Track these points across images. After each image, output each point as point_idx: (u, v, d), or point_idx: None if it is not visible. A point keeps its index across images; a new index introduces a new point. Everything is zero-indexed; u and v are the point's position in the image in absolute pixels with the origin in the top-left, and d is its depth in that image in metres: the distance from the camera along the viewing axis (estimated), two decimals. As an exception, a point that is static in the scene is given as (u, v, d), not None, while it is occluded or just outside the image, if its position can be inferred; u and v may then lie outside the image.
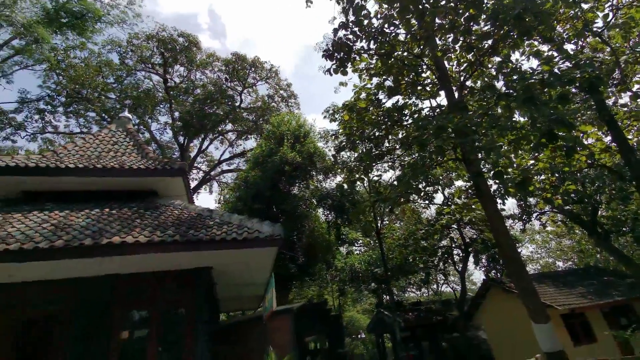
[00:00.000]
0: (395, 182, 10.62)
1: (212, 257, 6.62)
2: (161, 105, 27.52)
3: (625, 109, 14.97)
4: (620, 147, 12.65)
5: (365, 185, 17.69)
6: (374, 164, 14.50)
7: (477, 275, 48.54)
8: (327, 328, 23.81)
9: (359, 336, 38.69)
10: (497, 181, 10.50)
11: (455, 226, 21.26)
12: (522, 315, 15.79)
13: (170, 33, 24.12)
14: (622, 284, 17.88)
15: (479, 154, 9.81)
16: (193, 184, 31.24)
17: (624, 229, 23.51)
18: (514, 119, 9.43)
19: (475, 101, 12.33)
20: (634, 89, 12.46)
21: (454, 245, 22.28)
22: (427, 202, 23.41)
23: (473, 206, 16.94)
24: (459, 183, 23.53)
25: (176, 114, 27.59)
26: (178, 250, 5.80)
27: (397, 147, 14.13)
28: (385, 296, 25.22)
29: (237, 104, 29.21)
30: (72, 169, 7.81)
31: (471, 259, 25.89)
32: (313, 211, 18.44)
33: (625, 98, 14.52)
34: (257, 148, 19.55)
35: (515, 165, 9.77)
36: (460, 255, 22.22)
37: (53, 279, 6.16)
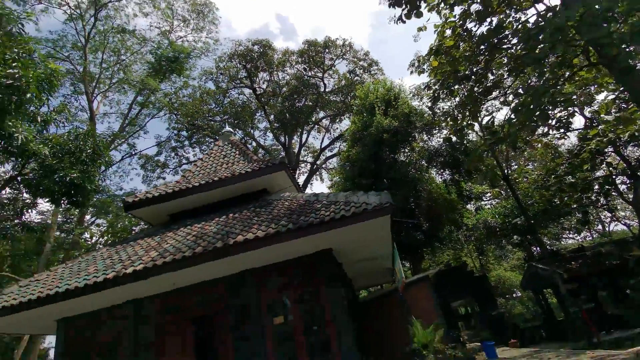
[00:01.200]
0: (512, 116, 8.89)
1: (328, 238, 6.66)
2: (257, 114, 29.82)
3: None
4: None
5: (477, 131, 15.64)
6: (480, 104, 12.57)
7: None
8: (474, 290, 22.29)
9: (514, 295, 35.23)
10: None
11: (609, 150, 17.01)
12: None
13: (246, 45, 25.85)
14: None
15: (622, 45, 7.36)
16: (303, 177, 33.13)
17: None
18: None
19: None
20: None
21: (615, 173, 17.89)
22: (562, 130, 19.37)
23: (633, 117, 13.14)
24: (601, 98, 18.73)
25: (271, 117, 29.50)
26: (293, 238, 6.00)
27: (505, 75, 11.93)
28: (534, 248, 22.18)
29: (322, 89, 29.48)
30: (196, 187, 8.97)
31: (644, 184, 20.46)
32: (425, 173, 17.25)
33: None
34: (352, 125, 19.27)
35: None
36: (628, 182, 17.74)
37: (207, 279, 7.16)
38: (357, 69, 28.38)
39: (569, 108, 19.75)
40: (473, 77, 11.30)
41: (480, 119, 12.19)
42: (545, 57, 7.75)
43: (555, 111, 19.50)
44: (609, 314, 17.36)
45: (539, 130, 20.20)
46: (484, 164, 15.55)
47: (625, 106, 16.58)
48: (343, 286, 8.85)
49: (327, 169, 31.68)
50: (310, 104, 28.62)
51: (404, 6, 11.40)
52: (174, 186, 9.45)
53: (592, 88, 17.75)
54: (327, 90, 29.41)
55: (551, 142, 21.42)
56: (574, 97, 19.16)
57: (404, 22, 11.57)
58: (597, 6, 7.14)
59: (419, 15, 11.84)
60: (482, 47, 10.78)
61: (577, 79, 15.98)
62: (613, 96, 17.87)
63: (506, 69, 11.51)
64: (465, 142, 14.60)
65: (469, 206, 26.03)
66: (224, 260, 6.18)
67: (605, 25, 7.24)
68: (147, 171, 28.92)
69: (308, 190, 33.56)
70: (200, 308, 7.05)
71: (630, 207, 18.27)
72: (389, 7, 11.64)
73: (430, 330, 9.16)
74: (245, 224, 6.98)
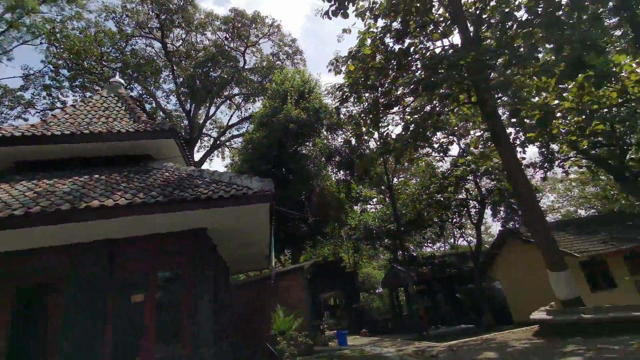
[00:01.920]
0: (403, 132, 9.93)
1: (203, 217, 6.37)
2: (164, 73, 26.79)
3: None
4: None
5: (375, 139, 16.97)
6: (382, 115, 13.67)
7: (494, 229, 48.03)
8: (343, 284, 24.39)
9: (376, 291, 39.76)
10: (514, 120, 9.67)
11: (471, 178, 20.51)
12: (538, 266, 15.39)
13: (163, -8, 22.80)
14: (647, 228, 17.03)
15: (495, 92, 8.91)
16: (202, 152, 31.22)
17: (653, 170, 22.11)
18: (535, 51, 8.38)
19: (492, 34, 11.11)
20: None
21: (469, 198, 21.65)
22: (441, 154, 22.54)
23: (490, 155, 16.05)
24: (477, 133, 22.35)
25: (180, 80, 26.86)
26: (162, 212, 5.55)
27: (407, 94, 13.18)
28: (399, 251, 25.31)
29: (241, 65, 28.11)
30: (58, 136, 7.56)
31: (489, 211, 25.33)
32: (322, 169, 18.02)
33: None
34: (262, 108, 18.87)
35: (535, 100, 8.85)
36: (477, 207, 21.64)
37: (46, 245, 6.09)
38: (281, 53, 27.88)
39: (450, 137, 23.04)
40: (380, 88, 12.21)
41: (379, 129, 13.20)
42: (438, 85, 8.79)
43: (439, 135, 22.53)
44: (441, 313, 21.07)
45: (424, 150, 23.19)
46: (375, 171, 17.06)
47: (488, 144, 20.20)
48: (216, 269, 8.61)
49: (230, 148, 30.46)
50: (226, 77, 26.98)
51: (332, 2, 11.59)
52: (26, 129, 7.79)
53: (470, 124, 21.03)
54: (246, 66, 28.17)
55: (431, 162, 24.77)
56: (456, 128, 22.44)
57: (330, 18, 11.79)
58: (483, 53, 8.41)
59: (345, 15, 12.20)
60: (393, 62, 11.69)
61: (459, 112, 18.68)
62: (483, 136, 21.58)
63: (407, 90, 12.74)
64: (362, 147, 15.75)
65: (356, 207, 28.28)
66: (74, 225, 5.35)
67: (487, 71, 8.62)
68: (3, 106, 23.30)
69: (206, 166, 31.76)
70: (31, 278, 5.97)
71: (475, 227, 22.30)
72: None
73: (290, 318, 9.64)
74: (109, 188, 6.17)
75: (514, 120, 8.65)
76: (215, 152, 32.44)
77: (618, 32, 14.59)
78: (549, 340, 7.47)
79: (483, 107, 9.83)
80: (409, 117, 10.33)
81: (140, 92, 26.45)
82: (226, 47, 25.36)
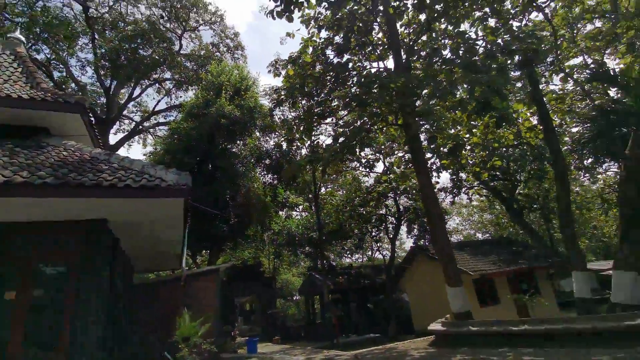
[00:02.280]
0: (332, 143, 10.15)
1: (104, 208, 5.63)
2: (82, 40, 23.62)
3: (555, 86, 15.98)
4: (544, 125, 13.47)
5: (306, 147, 17.13)
6: (315, 124, 13.86)
7: (408, 245, 52.00)
8: (261, 289, 23.90)
9: (294, 298, 39.83)
10: (431, 147, 10.58)
11: (391, 195, 21.90)
12: (441, 280, 16.90)
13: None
14: (527, 254, 19.96)
15: (418, 118, 9.65)
16: (120, 135, 28.20)
17: (535, 206, 26.21)
18: (454, 87, 9.29)
19: (420, 65, 12.08)
20: (566, 70, 13.10)
21: (388, 213, 23.06)
22: (367, 169, 23.73)
23: (410, 175, 17.35)
24: (400, 154, 24.04)
25: (101, 51, 23.92)
26: (51, 196, 4.74)
27: (341, 107, 13.57)
28: (319, 260, 25.76)
29: (177, 49, 26.19)
30: None
31: (404, 228, 27.29)
32: (251, 170, 17.54)
33: (556, 80, 15.34)
34: (193, 98, 17.72)
35: (450, 131, 9.84)
36: (394, 223, 23.12)
37: None
38: (221, 44, 26.68)
39: (377, 154, 24.32)
40: (316, 97, 12.35)
41: (311, 138, 13.32)
42: (369, 103, 9.17)
43: (367, 151, 23.63)
44: (353, 322, 21.89)
45: (352, 164, 24.17)
46: (303, 178, 17.18)
47: (410, 166, 21.91)
48: (115, 266, 7.68)
49: (154, 135, 28.02)
50: (158, 58, 24.82)
51: (278, 2, 11.49)
52: None
53: (395, 145, 22.56)
54: (182, 51, 26.31)
55: (358, 177, 25.92)
56: (382, 147, 23.80)
57: (274, 18, 11.64)
58: (411, 81, 9.05)
59: (290, 19, 12.17)
60: (331, 74, 11.95)
61: (386, 132, 19.86)
62: (405, 157, 23.33)
63: (342, 103, 13.11)
64: (293, 153, 15.74)
65: (281, 213, 28.11)
66: None
67: (413, 98, 9.28)
68: None
69: (123, 152, 28.73)
70: None
71: (390, 241, 23.77)
72: (265, -3, 11.49)
73: (196, 323, 9.01)
74: (-16, 161, 5.09)
75: (431, 146, 9.45)
76: (136, 137, 29.53)
77: (519, 84, 17.09)
78: (442, 350, 8.16)
79: (407, 130, 10.56)
80: (340, 129, 10.61)
81: (49, 55, 22.92)
82: (161, 27, 23.41)
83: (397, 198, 21.89)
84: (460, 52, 10.26)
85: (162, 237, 8.18)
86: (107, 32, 23.98)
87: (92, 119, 7.92)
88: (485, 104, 8.56)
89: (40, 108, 7.06)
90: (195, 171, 15.01)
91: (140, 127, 27.35)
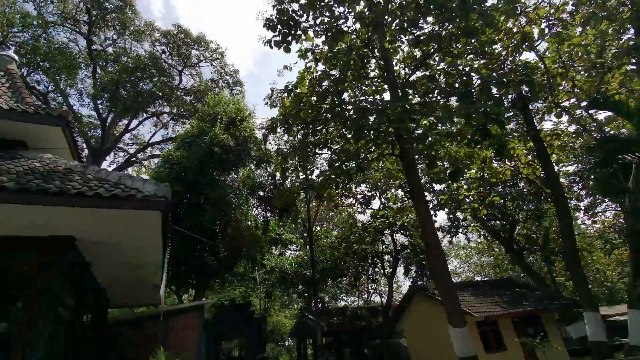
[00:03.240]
0: (327, 169, 9.80)
1: (70, 221, 5.05)
2: (82, 72, 24.04)
3: (551, 123, 16.09)
4: (542, 161, 13.31)
5: (301, 178, 16.77)
6: (310, 155, 13.60)
7: (405, 286, 50.12)
8: (249, 331, 22.22)
9: (286, 343, 37.31)
10: (430, 173, 10.24)
11: (388, 232, 21.22)
12: (442, 322, 15.76)
13: (100, -13, 21.08)
14: (532, 296, 18.96)
15: (415, 144, 9.39)
16: (114, 166, 27.82)
17: (535, 247, 25.55)
18: (451, 114, 9.16)
19: (417, 97, 12.10)
20: (561, 103, 13.20)
21: (384, 250, 22.21)
22: (363, 206, 23.24)
23: (406, 207, 16.87)
24: (396, 191, 23.74)
25: (101, 82, 24.25)
26: (6, 202, 4.18)
27: (337, 136, 13.40)
28: (313, 300, 24.37)
29: (176, 83, 26.71)
30: None
31: (401, 269, 26.28)
32: (243, 202, 16.97)
33: (551, 117, 15.49)
34: (188, 128, 17.61)
35: (448, 155, 9.56)
36: (390, 261, 22.21)
37: None
38: (221, 81, 27.28)
39: (373, 190, 23.96)
40: (311, 126, 12.18)
41: (306, 168, 12.98)
42: (365, 127, 8.92)
43: (363, 187, 23.27)
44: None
45: (347, 201, 23.71)
46: (297, 210, 16.59)
47: (407, 201, 21.50)
48: (84, 294, 6.89)
49: (148, 167, 27.69)
50: (157, 92, 25.21)
51: (276, 34, 11.70)
52: None
53: (391, 182, 22.33)
54: (181, 86, 26.82)
55: (353, 214, 25.36)
56: (379, 184, 23.52)
57: (271, 47, 11.78)
58: (410, 110, 8.89)
59: (287, 50, 12.34)
60: (326, 103, 11.89)
61: (383, 166, 19.59)
62: (400, 192, 23.01)
63: (337, 132, 12.95)
64: (286, 183, 15.31)
65: (274, 249, 27.09)
66: None
67: (410, 124, 9.08)
68: None
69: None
70: None
71: (387, 280, 22.71)
72: (264, 27, 11.72)
73: (173, 364, 8.02)
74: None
75: (431, 170, 9.08)
76: (130, 169, 29.18)
77: (512, 124, 17.27)
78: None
79: (404, 159, 10.26)
80: (335, 156, 10.31)
81: (48, 85, 23.13)
82: (163, 62, 23.97)
83: (394, 234, 21.21)
84: (457, 84, 10.31)
85: (139, 262, 7.44)
86: (109, 65, 24.50)
87: (76, 136, 7.53)
88: (484, 131, 8.37)
89: (20, 119, 6.67)
90: (184, 201, 14.47)
91: (134, 158, 27.07)
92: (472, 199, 18.62)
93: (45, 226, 5.11)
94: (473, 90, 9.71)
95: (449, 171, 8.66)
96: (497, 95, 9.64)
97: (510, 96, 13.43)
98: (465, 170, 10.26)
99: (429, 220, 10.58)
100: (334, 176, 8.86)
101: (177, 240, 14.24)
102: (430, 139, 8.88)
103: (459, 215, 25.80)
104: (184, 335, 12.03)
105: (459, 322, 9.97)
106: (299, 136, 13.90)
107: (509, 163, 16.64)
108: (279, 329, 33.35)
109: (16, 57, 9.75)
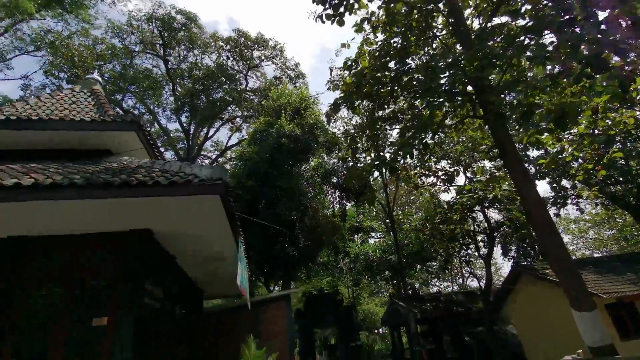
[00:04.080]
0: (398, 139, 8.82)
1: (145, 214, 5.15)
2: (165, 92, 26.61)
3: None
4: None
5: (372, 158, 15.89)
6: (379, 132, 12.63)
7: (505, 269, 45.34)
8: (340, 320, 22.21)
9: (380, 330, 36.77)
10: (523, 127, 8.48)
11: (478, 208, 18.98)
12: (559, 306, 13.46)
13: (168, 11, 23.00)
14: (681, 271, 15.12)
15: (501, 94, 7.81)
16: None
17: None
18: (547, 50, 7.33)
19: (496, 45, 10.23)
20: None
21: (477, 230, 19.98)
22: (447, 184, 21.22)
23: (499, 180, 14.73)
24: (486, 164, 21.14)
25: (181, 99, 26.56)
26: (77, 198, 4.31)
27: (407, 108, 12.19)
28: (402, 285, 23.30)
29: (243, 86, 27.91)
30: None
31: (498, 250, 23.52)
32: (318, 191, 16.79)
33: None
34: (256, 123, 18.09)
35: (547, 101, 7.69)
36: (485, 240, 19.91)
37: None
38: (284, 77, 27.66)
39: (456, 166, 21.80)
40: (377, 100, 11.21)
41: (377, 146, 12.07)
42: (437, 87, 7.72)
43: (444, 163, 21.32)
44: (448, 357, 18.73)
45: (428, 180, 21.93)
46: (373, 189, 15.80)
47: (496, 172, 18.93)
48: (171, 286, 7.21)
49: (226, 168, 29.61)
50: (228, 98, 26.73)
51: (327, 6, 10.95)
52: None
53: (475, 154, 19.95)
54: (247, 88, 27.93)
55: (436, 193, 23.41)
56: (462, 158, 21.28)
57: (323, 22, 11.09)
58: (491, 55, 7.39)
59: (341, 23, 11.48)
60: (392, 69, 10.81)
61: (464, 138, 17.47)
62: (488, 163, 20.40)
63: (407, 105, 11.72)
64: (358, 165, 14.58)
65: (357, 237, 26.63)
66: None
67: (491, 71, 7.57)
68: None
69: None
70: None
71: (483, 262, 20.47)
72: (313, 2, 11.07)
73: (262, 352, 8.02)
74: (31, 171, 5.00)
75: (527, 121, 7.41)
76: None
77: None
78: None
79: (487, 116, 8.67)
80: (407, 124, 9.21)
81: (141, 109, 26.13)
82: (229, 68, 25.19)
83: (486, 211, 18.89)
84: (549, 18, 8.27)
85: (218, 254, 7.55)
86: (184, 80, 26.69)
87: (150, 137, 7.95)
88: (599, 62, 6.44)
89: (99, 129, 7.22)
90: (259, 194, 14.78)
91: (216, 163, 29.14)
92: (582, 160, 15.46)
93: (123, 221, 5.31)
94: (574, 19, 7.66)
95: (551, 118, 6.93)
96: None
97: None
98: (576, 115, 8.18)
99: (528, 185, 8.81)
100: (407, 144, 7.84)
101: (257, 234, 14.68)
102: (520, 87, 7.26)
103: (565, 183, 21.99)
104: (273, 324, 12.26)
105: (585, 305, 8.11)
106: (365, 114, 13.06)
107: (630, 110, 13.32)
108: (370, 317, 32.96)
109: (99, 79, 10.81)
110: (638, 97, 12.27)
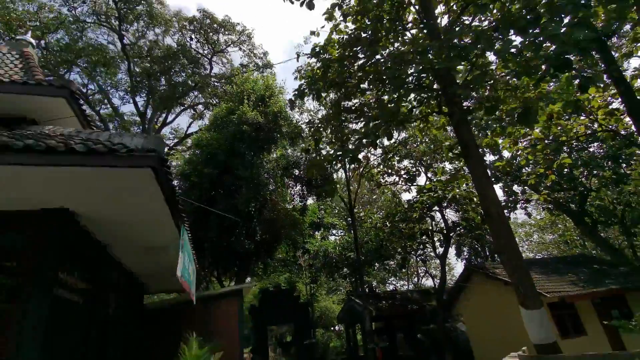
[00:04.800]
0: (362, 129, 8.48)
1: (58, 189, 4.32)
2: (120, 70, 24.56)
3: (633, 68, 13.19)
4: (629, 104, 10.79)
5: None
6: (344, 121, 12.28)
7: (458, 269, 47.26)
8: (296, 316, 21.78)
9: (336, 328, 36.80)
10: (492, 116, 8.45)
11: (436, 208, 19.36)
12: (506, 305, 13.87)
13: (125, -20, 21.07)
14: (614, 273, 16.26)
15: (466, 90, 7.70)
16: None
17: (612, 219, 22.16)
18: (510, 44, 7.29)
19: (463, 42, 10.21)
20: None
21: (435, 229, 20.39)
22: (408, 183, 21.47)
23: (459, 179, 14.98)
24: (446, 166, 21.63)
25: (138, 79, 24.65)
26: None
27: (373, 102, 11.93)
28: (359, 283, 23.32)
29: (207, 71, 26.52)
30: None
31: (453, 251, 24.22)
32: (279, 183, 16.18)
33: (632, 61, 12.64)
34: (217, 109, 17.09)
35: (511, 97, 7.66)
36: (441, 239, 20.37)
37: None
38: (251, 64, 26.59)
39: (418, 165, 22.06)
40: (343, 89, 10.82)
41: (341, 138, 11.69)
42: (404, 75, 7.45)
43: (406, 163, 21.53)
44: (400, 354, 18.94)
45: (390, 179, 22.07)
46: (334, 181, 15.50)
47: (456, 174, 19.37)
48: (100, 278, 6.32)
49: (181, 155, 28.14)
50: (191, 83, 25.24)
51: (297, -16, 10.39)
52: None
53: (436, 154, 20.28)
54: (212, 74, 26.58)
55: (397, 192, 23.66)
56: (424, 159, 21.58)
57: (292, 2, 10.52)
58: (458, 46, 7.22)
59: (311, 6, 10.95)
60: (358, 59, 10.47)
61: (427, 136, 17.62)
62: (448, 165, 20.88)
63: (373, 97, 11.43)
64: (321, 155, 14.14)
65: (317, 234, 26.28)
66: None
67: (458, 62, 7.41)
68: None
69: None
70: None
71: (439, 261, 20.96)
72: (281, -19, 10.46)
73: (204, 351, 7.32)
74: None
75: (490, 116, 7.33)
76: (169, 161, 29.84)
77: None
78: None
79: (453, 113, 8.57)
80: (373, 113, 8.89)
81: (93, 88, 23.94)
82: (192, 50, 23.74)
83: (444, 211, 19.30)
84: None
85: (159, 244, 6.75)
86: (142, 60, 24.78)
87: (83, 105, 6.95)
88: (562, 62, 6.44)
89: (17, 91, 6.16)
90: (217, 183, 13.92)
91: (173, 150, 27.50)
92: (534, 164, 16.16)
93: (36, 198, 4.45)
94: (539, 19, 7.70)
95: (516, 113, 6.87)
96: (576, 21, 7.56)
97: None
98: (537, 113, 8.27)
99: (488, 185, 8.82)
100: (370, 133, 7.49)
101: (213, 226, 13.83)
102: (486, 81, 7.16)
103: (516, 189, 23.05)
104: (224, 321, 11.53)
105: (533, 304, 8.23)
106: (332, 108, 12.63)
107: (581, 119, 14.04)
108: (327, 314, 32.84)
109: (33, 41, 9.43)
110: (589, 106, 12.91)
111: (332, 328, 36.29)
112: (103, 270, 6.24)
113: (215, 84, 25.73)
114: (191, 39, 23.52)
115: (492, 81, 6.94)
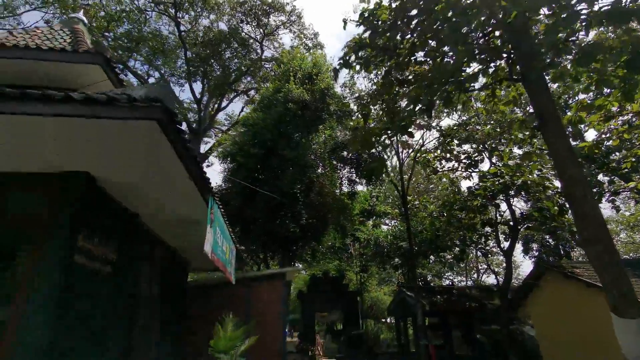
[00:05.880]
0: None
1: (76, 149, 4.02)
2: (177, 55, 25.51)
3: None
4: None
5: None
6: (396, 96, 11.07)
7: (524, 268, 43.03)
8: (344, 305, 21.26)
9: (387, 320, 35.72)
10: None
11: (502, 197, 17.14)
12: (588, 309, 11.79)
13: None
14: None
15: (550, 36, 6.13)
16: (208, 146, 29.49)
17: None
18: None
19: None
20: None
21: (499, 220, 18.18)
22: (469, 170, 19.40)
23: (532, 159, 12.87)
24: (514, 150, 19.17)
25: (193, 65, 25.41)
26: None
27: (428, 71, 10.51)
28: (411, 274, 21.98)
29: (259, 55, 26.53)
30: None
31: (519, 246, 21.69)
32: (326, 164, 15.44)
33: None
34: (264, 89, 16.77)
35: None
36: (507, 232, 18.14)
37: None
38: (301, 46, 26.01)
39: (478, 153, 19.80)
40: (394, 57, 9.62)
41: (392, 112, 10.51)
42: (464, 28, 6.14)
43: (466, 147, 19.47)
44: (455, 354, 17.43)
45: (449, 164, 20.14)
46: (383, 159, 14.33)
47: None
48: (131, 250, 6.13)
49: (232, 136, 28.75)
50: (243, 68, 25.44)
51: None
52: None
53: (505, 134, 17.94)
54: (262, 57, 26.53)
55: (457, 179, 21.62)
56: (487, 141, 19.30)
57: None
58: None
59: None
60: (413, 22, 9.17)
61: (496, 110, 15.55)
62: (517, 150, 18.41)
63: (426, 58, 10.05)
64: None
65: (369, 222, 25.31)
66: None
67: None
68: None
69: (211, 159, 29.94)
70: None
71: (503, 255, 18.79)
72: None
73: (238, 334, 6.94)
74: None
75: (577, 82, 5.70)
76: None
77: None
78: None
79: (526, 77, 6.97)
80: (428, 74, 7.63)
81: (155, 75, 25.17)
82: (242, 32, 23.78)
83: (511, 200, 17.06)
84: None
85: (190, 217, 6.42)
86: (196, 45, 25.45)
87: (119, 74, 6.81)
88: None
89: (55, 59, 6.13)
90: (262, 163, 13.63)
91: (227, 134, 28.17)
92: (629, 147, 13.42)
93: (54, 161, 4.20)
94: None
95: (620, 58, 5.23)
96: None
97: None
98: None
99: (572, 162, 7.08)
100: (424, 99, 6.35)
101: (260, 207, 13.60)
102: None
103: (602, 178, 19.75)
104: (266, 304, 11.24)
105: (629, 310, 6.48)
106: (380, 79, 11.46)
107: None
108: (378, 305, 31.88)
109: (84, 19, 9.68)
110: None
111: (382, 320, 35.28)
112: (133, 240, 6.04)
113: (267, 67, 25.61)
114: (241, 21, 23.52)
115: (584, 24, 5.37)
